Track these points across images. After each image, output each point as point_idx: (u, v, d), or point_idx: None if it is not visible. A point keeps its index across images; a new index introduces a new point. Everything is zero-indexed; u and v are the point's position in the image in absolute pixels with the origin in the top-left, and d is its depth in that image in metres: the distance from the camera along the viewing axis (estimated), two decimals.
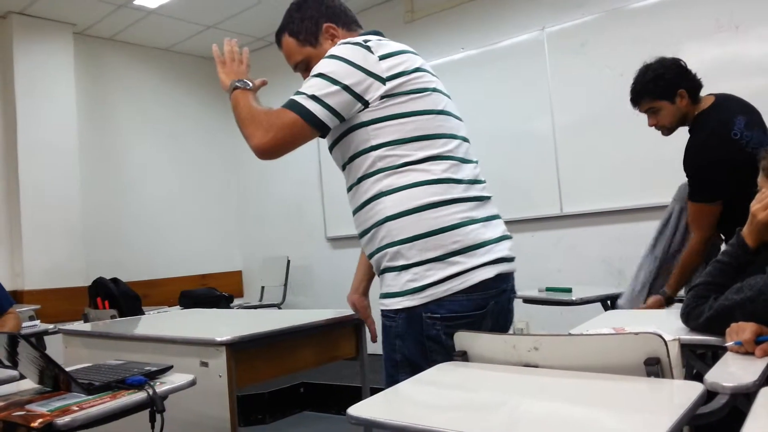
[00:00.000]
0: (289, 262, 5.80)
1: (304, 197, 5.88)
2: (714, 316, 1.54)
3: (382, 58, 1.60)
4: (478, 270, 1.58)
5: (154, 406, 1.53)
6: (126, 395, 1.53)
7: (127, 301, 4.52)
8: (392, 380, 1.57)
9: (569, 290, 3.07)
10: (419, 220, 1.56)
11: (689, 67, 2.52)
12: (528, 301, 3.26)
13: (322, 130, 1.59)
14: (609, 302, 3.01)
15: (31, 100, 4.87)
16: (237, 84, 1.70)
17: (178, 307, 5.02)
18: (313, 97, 1.55)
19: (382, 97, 1.58)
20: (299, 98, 1.56)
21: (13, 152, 4.81)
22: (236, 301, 5.74)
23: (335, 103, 1.56)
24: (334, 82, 1.56)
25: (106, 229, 5.41)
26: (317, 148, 5.61)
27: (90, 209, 5.21)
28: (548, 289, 3.17)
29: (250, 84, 1.71)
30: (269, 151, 1.59)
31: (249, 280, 6.43)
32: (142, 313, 4.36)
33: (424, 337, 1.56)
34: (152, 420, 1.56)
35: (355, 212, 1.70)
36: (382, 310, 1.64)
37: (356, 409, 1.13)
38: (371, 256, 1.68)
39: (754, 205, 1.61)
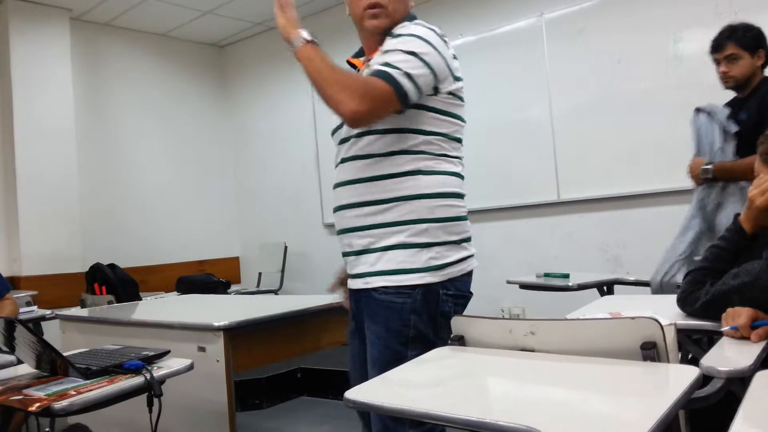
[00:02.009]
0: (286, 248, 5.80)
1: (302, 184, 5.87)
2: (710, 301, 1.54)
3: (454, 57, 1.69)
4: (473, 258, 1.76)
5: (152, 390, 1.54)
6: (123, 380, 1.53)
7: (124, 287, 4.52)
8: (399, 356, 1.58)
9: (567, 276, 3.07)
10: (449, 205, 1.68)
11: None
12: (525, 286, 3.26)
13: (406, 107, 1.62)
14: (605, 288, 3.01)
15: (27, 86, 4.84)
16: (306, 37, 1.60)
17: (176, 292, 5.03)
18: (407, 75, 1.57)
19: (449, 92, 1.68)
20: (395, 73, 1.56)
21: (10, 138, 4.79)
22: (233, 287, 5.75)
23: (423, 84, 1.60)
24: (426, 64, 1.60)
25: (104, 214, 5.40)
26: (314, 133, 5.59)
27: (87, 195, 5.20)
28: (546, 275, 3.18)
29: (310, 37, 1.61)
30: (363, 119, 1.59)
31: (246, 266, 6.43)
32: (139, 298, 4.36)
33: (438, 314, 1.64)
34: (150, 404, 1.57)
35: (366, 180, 1.69)
36: (385, 287, 1.64)
37: (353, 393, 1.13)
38: (373, 227, 1.67)
39: (752, 191, 1.60)
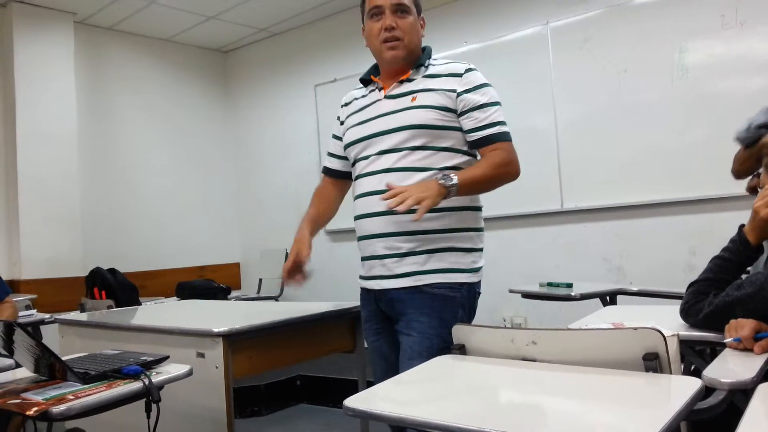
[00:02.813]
0: (287, 254, 5.76)
1: (303, 190, 5.82)
2: (713, 312, 1.53)
3: None
4: None
5: (150, 396, 1.53)
6: (122, 385, 1.52)
7: (124, 292, 4.51)
8: (447, 345, 1.74)
9: (570, 285, 3.05)
10: (481, 217, 2.02)
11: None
12: (527, 295, 3.25)
13: None
14: (608, 298, 3.00)
15: (30, 90, 4.85)
16: (448, 182, 1.80)
17: (175, 298, 5.01)
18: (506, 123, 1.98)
19: None
20: (507, 129, 1.97)
21: (12, 142, 4.79)
22: (234, 293, 5.73)
23: None
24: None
25: (104, 219, 5.39)
26: (317, 140, 5.60)
27: (88, 199, 5.19)
28: (549, 284, 3.16)
29: (453, 176, 1.81)
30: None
31: (247, 272, 6.42)
32: (139, 303, 4.35)
33: (472, 309, 1.95)
34: (148, 410, 1.56)
35: None
36: (438, 283, 1.88)
37: (353, 401, 1.13)
38: (425, 232, 1.89)
39: (757, 202, 1.60)
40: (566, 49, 4.23)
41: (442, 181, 1.77)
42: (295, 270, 2.16)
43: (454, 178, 1.79)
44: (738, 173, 2.62)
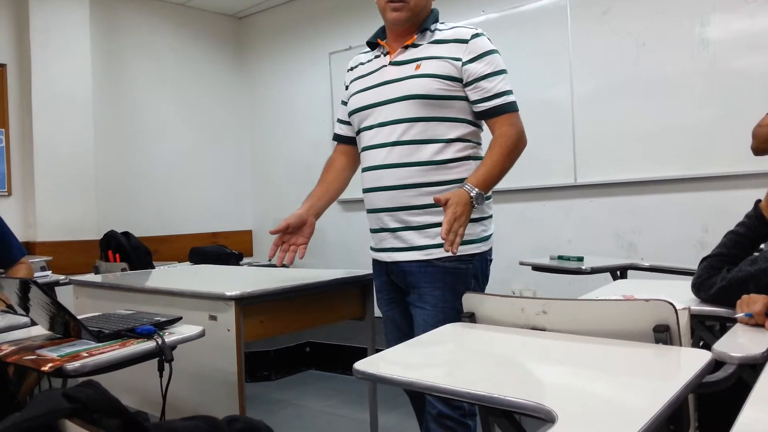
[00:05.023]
0: None
1: (316, 158, 5.82)
2: (726, 287, 1.53)
3: None
4: None
5: (163, 355, 1.55)
6: (135, 344, 1.54)
7: (137, 255, 4.55)
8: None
9: (581, 259, 3.05)
10: None
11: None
12: (537, 268, 3.25)
13: None
14: (619, 273, 2.99)
15: (46, 54, 4.84)
16: (476, 190, 1.78)
17: (188, 263, 5.06)
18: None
19: None
20: (513, 98, 1.92)
21: (28, 106, 4.80)
22: (246, 260, 5.77)
23: None
24: None
25: (119, 183, 5.42)
26: (330, 108, 5.57)
27: (103, 163, 5.22)
28: (560, 257, 3.16)
29: (472, 186, 1.78)
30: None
31: (259, 239, 6.46)
32: (152, 267, 4.39)
33: (485, 276, 1.97)
34: (160, 369, 1.58)
35: (426, 164, 1.90)
36: (450, 256, 1.82)
37: (363, 365, 1.14)
38: (434, 205, 1.82)
39: None
40: (585, 21, 4.16)
41: (471, 194, 1.76)
42: (280, 240, 2.08)
43: (476, 189, 1.77)
44: (758, 150, 2.57)
